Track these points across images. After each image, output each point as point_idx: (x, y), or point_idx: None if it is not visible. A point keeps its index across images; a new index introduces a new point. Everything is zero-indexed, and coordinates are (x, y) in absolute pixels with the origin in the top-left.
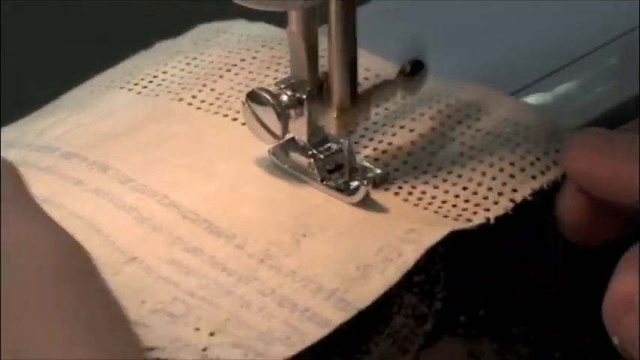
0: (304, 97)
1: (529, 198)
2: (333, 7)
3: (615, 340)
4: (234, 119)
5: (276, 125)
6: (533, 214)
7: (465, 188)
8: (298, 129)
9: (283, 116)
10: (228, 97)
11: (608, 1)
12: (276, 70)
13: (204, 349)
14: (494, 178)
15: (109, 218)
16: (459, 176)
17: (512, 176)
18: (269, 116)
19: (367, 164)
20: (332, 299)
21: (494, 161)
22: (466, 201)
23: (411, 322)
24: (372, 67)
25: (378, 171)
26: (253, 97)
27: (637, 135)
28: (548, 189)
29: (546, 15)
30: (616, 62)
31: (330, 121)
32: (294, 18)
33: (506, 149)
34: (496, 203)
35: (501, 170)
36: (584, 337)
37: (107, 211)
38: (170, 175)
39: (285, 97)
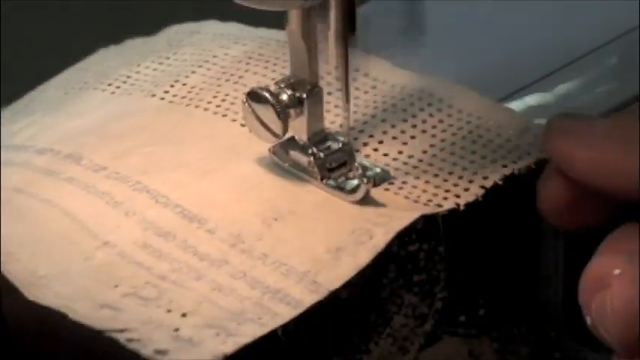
0: (304, 96)
1: (499, 183)
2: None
3: (588, 320)
4: (206, 109)
5: (276, 124)
6: (532, 215)
7: (436, 175)
8: (298, 128)
9: (283, 115)
10: (200, 90)
11: (608, 1)
12: (248, 64)
13: (176, 330)
14: (464, 169)
15: (83, 204)
16: (430, 164)
17: (483, 167)
18: (269, 115)
19: (367, 163)
20: (303, 281)
21: (465, 154)
22: (437, 187)
23: (411, 322)
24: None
25: (378, 170)
26: (253, 96)
27: (617, 121)
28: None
29: (546, 15)
30: (616, 62)
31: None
32: (294, 17)
33: (478, 144)
34: (466, 190)
35: (472, 162)
36: (583, 336)
37: (80, 197)
38: (143, 162)
39: (285, 96)
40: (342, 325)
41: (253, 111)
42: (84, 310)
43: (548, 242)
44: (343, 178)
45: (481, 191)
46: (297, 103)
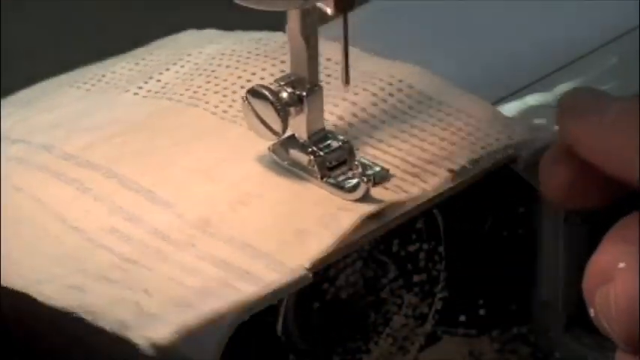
0: (304, 94)
1: (468, 166)
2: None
3: (591, 312)
4: (178, 101)
5: (276, 122)
6: (532, 215)
7: (404, 161)
8: (298, 126)
9: (283, 113)
10: (174, 85)
11: (608, 1)
12: (221, 59)
13: (140, 307)
14: (433, 154)
15: (52, 190)
16: (400, 149)
17: (451, 152)
18: (269, 113)
19: (367, 161)
20: (268, 261)
21: (435, 140)
22: (405, 172)
23: (411, 322)
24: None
25: (378, 168)
26: (253, 94)
27: (631, 104)
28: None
29: (546, 15)
30: (616, 62)
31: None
32: (294, 17)
33: (447, 132)
34: (434, 175)
35: (442, 149)
36: (583, 336)
37: (50, 183)
38: (113, 150)
39: (285, 95)
40: (342, 325)
41: (253, 109)
42: (50, 292)
43: (548, 242)
44: (343, 177)
45: (449, 176)
46: (297, 101)
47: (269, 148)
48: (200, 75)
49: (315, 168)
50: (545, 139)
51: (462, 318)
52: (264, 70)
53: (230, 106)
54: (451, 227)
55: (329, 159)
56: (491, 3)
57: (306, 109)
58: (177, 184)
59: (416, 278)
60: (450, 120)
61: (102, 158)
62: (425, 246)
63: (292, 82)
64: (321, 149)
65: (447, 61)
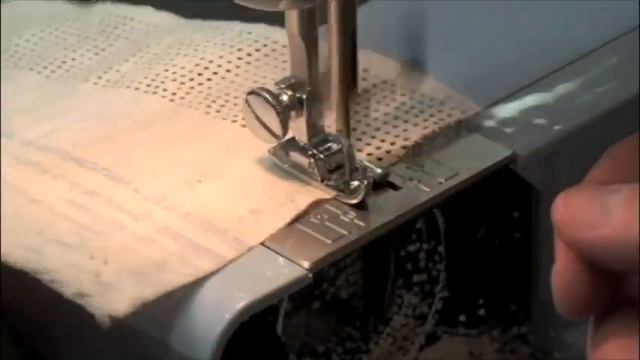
0: (304, 97)
1: (420, 141)
2: (332, 7)
3: None
4: (137, 89)
5: (276, 125)
6: (532, 215)
7: (359, 139)
8: (298, 129)
9: (283, 116)
10: (133, 74)
11: (608, 1)
12: (179, 48)
13: (97, 275)
14: (387, 132)
15: (13, 170)
16: (353, 129)
17: (405, 130)
18: (269, 116)
19: (367, 164)
20: (224, 238)
21: (388, 119)
22: (358, 151)
23: (411, 322)
24: (372, 66)
25: (379, 170)
26: (253, 97)
27: (632, 190)
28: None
29: (546, 15)
30: (616, 62)
31: (330, 119)
32: (294, 18)
33: (400, 110)
34: (388, 152)
35: (395, 127)
36: (583, 336)
37: (11, 166)
38: (72, 136)
39: (285, 97)
40: (342, 325)
41: (253, 112)
42: (7, 252)
43: (548, 242)
44: (343, 180)
45: (403, 151)
46: (297, 104)
47: (269, 151)
48: (158, 64)
49: (316, 171)
50: (544, 139)
51: (462, 318)
52: (221, 57)
53: (187, 92)
54: (451, 227)
55: (329, 162)
56: (491, 3)
57: (306, 113)
58: (135, 164)
59: (416, 278)
60: (403, 99)
61: (61, 143)
62: (425, 246)
63: (292, 85)
64: (321, 152)
65: (446, 61)
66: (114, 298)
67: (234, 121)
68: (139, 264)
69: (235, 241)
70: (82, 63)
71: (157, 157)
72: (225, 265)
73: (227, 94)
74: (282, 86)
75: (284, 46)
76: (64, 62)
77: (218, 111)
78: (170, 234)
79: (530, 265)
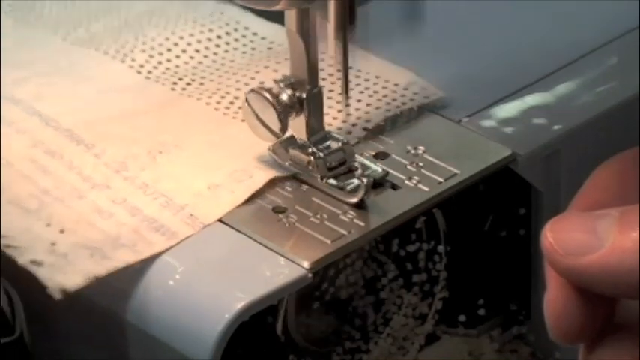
0: (304, 95)
1: (382, 123)
2: (332, 7)
3: None
4: (105, 53)
5: (276, 124)
6: (532, 216)
7: (327, 124)
8: (298, 127)
9: (283, 115)
10: (102, 37)
11: (608, 1)
12: (150, 18)
13: (53, 244)
14: (348, 114)
15: None
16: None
17: (367, 112)
18: (269, 114)
19: (367, 162)
20: (180, 214)
21: (351, 102)
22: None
23: (411, 322)
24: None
25: (379, 169)
26: (253, 95)
27: (622, 214)
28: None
29: (546, 15)
30: (616, 62)
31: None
32: (293, 18)
33: (364, 95)
34: (349, 133)
35: (357, 109)
36: None
37: None
38: (38, 90)
39: (285, 96)
40: (342, 325)
41: (253, 110)
42: None
43: None
44: (343, 178)
45: (364, 133)
46: (297, 102)
47: (269, 149)
48: (129, 32)
49: (315, 169)
50: (544, 139)
51: (462, 318)
52: (191, 35)
53: (155, 67)
54: (451, 227)
55: (329, 160)
56: (491, 3)
57: (306, 111)
58: (97, 128)
59: (416, 278)
60: (368, 85)
61: (26, 95)
62: (425, 246)
63: (292, 83)
64: (321, 150)
65: (446, 61)
66: (68, 270)
67: (199, 99)
68: (94, 237)
69: (191, 218)
70: (50, 14)
71: (120, 125)
72: (179, 242)
73: (194, 74)
74: (282, 85)
75: (254, 34)
76: (32, 9)
77: (184, 89)
78: (127, 207)
79: (530, 265)
